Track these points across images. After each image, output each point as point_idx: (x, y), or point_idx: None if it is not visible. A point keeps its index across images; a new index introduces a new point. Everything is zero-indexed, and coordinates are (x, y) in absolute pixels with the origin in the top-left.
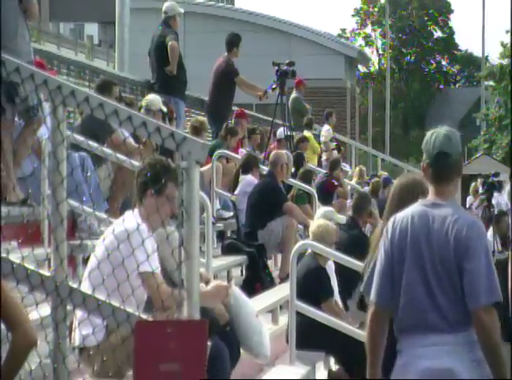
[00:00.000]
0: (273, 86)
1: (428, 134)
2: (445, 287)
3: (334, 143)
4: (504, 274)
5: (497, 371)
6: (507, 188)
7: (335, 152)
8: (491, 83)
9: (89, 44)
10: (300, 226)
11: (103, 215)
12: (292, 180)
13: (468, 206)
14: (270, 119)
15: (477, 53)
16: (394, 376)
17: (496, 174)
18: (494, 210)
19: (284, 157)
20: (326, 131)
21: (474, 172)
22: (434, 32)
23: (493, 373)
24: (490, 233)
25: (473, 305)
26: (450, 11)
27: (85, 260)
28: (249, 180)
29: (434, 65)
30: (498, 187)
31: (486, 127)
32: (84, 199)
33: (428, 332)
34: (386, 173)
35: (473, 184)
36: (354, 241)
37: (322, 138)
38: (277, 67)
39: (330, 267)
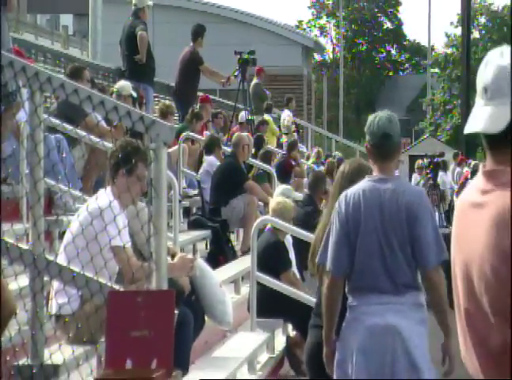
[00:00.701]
0: (236, 74)
1: (370, 117)
2: (396, 254)
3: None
4: (448, 246)
5: (443, 324)
6: (451, 167)
7: (294, 134)
8: (436, 71)
9: (65, 34)
10: (260, 203)
11: (77, 193)
12: (252, 160)
13: (413, 183)
14: (232, 104)
15: (423, 43)
16: (344, 328)
17: (441, 154)
18: (439, 188)
19: (245, 139)
20: (287, 115)
21: (421, 153)
22: (384, 24)
23: (439, 321)
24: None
25: (425, 266)
26: (399, 4)
27: (61, 235)
28: (211, 161)
29: (384, 54)
30: (443, 166)
31: (431, 111)
32: (60, 178)
33: (377, 293)
34: (340, 154)
35: (417, 162)
36: (310, 217)
37: (284, 122)
38: (238, 56)
39: (288, 241)
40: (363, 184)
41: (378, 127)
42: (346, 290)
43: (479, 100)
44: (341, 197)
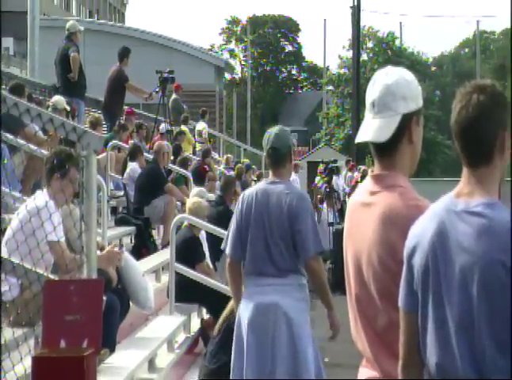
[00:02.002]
0: (156, 90)
1: (266, 133)
2: (279, 245)
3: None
4: (341, 240)
5: (325, 300)
6: (343, 172)
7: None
8: (331, 88)
9: (6, 55)
10: (178, 203)
11: (17, 195)
12: (171, 165)
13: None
14: (154, 116)
15: (320, 64)
16: (241, 305)
17: (335, 161)
18: (334, 190)
19: (165, 147)
20: (202, 126)
21: (317, 160)
22: (286, 47)
23: (322, 302)
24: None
25: (305, 256)
26: (298, 30)
27: (3, 231)
28: (133, 168)
29: (286, 73)
30: (337, 171)
31: (326, 123)
32: (1, 181)
33: (264, 277)
34: (247, 160)
35: (319, 167)
36: (221, 215)
37: (203, 133)
38: (159, 74)
39: (203, 236)
40: (259, 185)
41: (268, 142)
42: (243, 276)
43: (367, 114)
44: (240, 197)
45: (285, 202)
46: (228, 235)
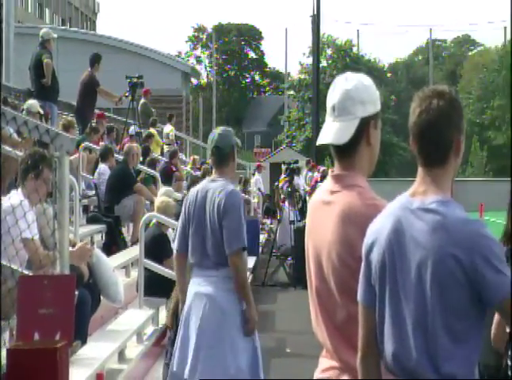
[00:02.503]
0: (126, 94)
1: (210, 134)
2: (212, 240)
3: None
4: (302, 237)
5: (244, 296)
6: (304, 172)
7: (175, 144)
8: (292, 93)
9: None
10: (147, 202)
11: None
12: (140, 166)
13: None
14: (124, 119)
15: (281, 70)
16: (187, 295)
17: (295, 162)
18: (295, 190)
19: (134, 149)
20: (169, 129)
21: (279, 160)
22: (249, 54)
23: (240, 294)
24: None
25: (228, 250)
26: (261, 38)
27: None
28: (103, 168)
29: (249, 79)
30: (297, 172)
31: (288, 126)
32: None
33: (202, 269)
34: None
35: (283, 167)
36: None
37: (170, 135)
38: (129, 80)
39: (170, 234)
40: (202, 183)
41: (211, 141)
42: None
43: (328, 118)
44: (187, 194)
45: (217, 198)
46: (176, 230)
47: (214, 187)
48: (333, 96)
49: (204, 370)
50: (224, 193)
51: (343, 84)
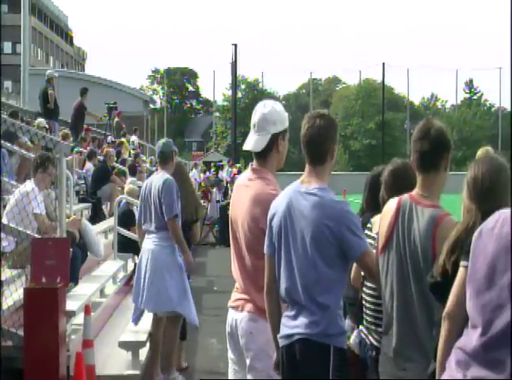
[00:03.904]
0: (105, 115)
1: (157, 142)
2: (155, 212)
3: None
4: (225, 211)
5: (181, 247)
6: (226, 168)
7: (138, 149)
8: (218, 114)
9: (6, 92)
10: (119, 188)
11: (14, 183)
12: (115, 164)
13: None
14: (103, 132)
15: (211, 98)
16: (141, 250)
17: (220, 161)
18: (220, 180)
19: (111, 152)
20: (135, 139)
21: (209, 160)
22: (189, 87)
23: (180, 248)
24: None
25: (166, 217)
26: (197, 77)
27: (4, 206)
28: (89, 165)
29: (189, 105)
30: (222, 168)
31: (215, 137)
32: (4, 174)
33: (149, 233)
34: None
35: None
36: None
37: (135, 142)
38: (107, 105)
39: (135, 210)
40: (152, 175)
41: (158, 147)
42: None
43: (251, 131)
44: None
45: (160, 184)
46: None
47: (157, 177)
48: (254, 117)
49: (151, 298)
50: (163, 180)
51: (261, 108)
